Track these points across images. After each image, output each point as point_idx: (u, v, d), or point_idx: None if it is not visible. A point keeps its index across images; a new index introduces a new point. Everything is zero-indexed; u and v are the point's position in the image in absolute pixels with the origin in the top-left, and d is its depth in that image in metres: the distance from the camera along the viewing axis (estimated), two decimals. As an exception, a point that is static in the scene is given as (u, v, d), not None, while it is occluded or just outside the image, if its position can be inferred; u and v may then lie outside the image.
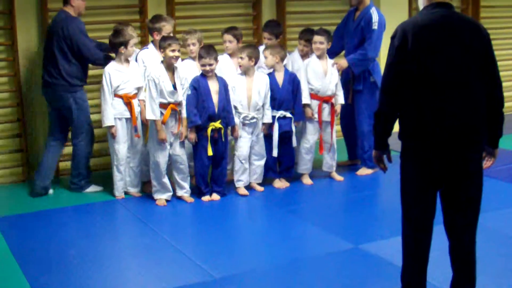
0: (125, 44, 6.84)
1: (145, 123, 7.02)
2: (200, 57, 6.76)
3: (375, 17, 7.41)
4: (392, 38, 3.96)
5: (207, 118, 6.77)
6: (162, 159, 6.76)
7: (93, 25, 7.93)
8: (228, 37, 7.33)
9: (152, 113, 6.64)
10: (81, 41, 7.02)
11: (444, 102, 3.82)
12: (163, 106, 6.68)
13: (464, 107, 3.84)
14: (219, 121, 6.82)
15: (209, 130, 6.78)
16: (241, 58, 7.02)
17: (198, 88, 6.75)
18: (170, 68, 6.73)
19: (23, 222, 6.45)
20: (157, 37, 7.04)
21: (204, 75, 6.81)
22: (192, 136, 6.77)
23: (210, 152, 6.81)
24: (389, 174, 4.32)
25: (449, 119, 3.83)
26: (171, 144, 6.81)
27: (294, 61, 7.66)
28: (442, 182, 3.98)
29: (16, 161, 7.88)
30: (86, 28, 7.24)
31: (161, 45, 6.72)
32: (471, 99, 3.86)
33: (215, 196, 6.97)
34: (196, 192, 7.00)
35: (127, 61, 6.96)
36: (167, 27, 7.07)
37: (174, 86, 6.70)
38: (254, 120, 7.08)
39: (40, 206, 6.98)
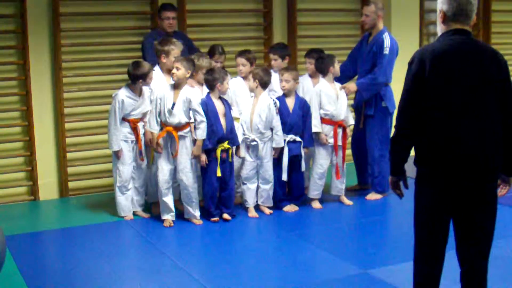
0: (144, 77, 6.83)
1: (148, 145, 7.04)
2: (217, 78, 6.78)
3: (387, 42, 7.41)
4: (410, 64, 3.95)
5: (216, 140, 6.77)
6: (161, 177, 6.79)
7: (107, 45, 8.01)
8: (241, 60, 7.37)
9: (149, 126, 6.80)
10: (144, 51, 7.64)
11: (460, 129, 3.81)
12: (163, 125, 6.76)
13: (480, 135, 3.82)
14: (226, 142, 6.83)
15: (218, 151, 6.78)
16: (248, 79, 7.09)
17: (207, 111, 6.75)
18: (175, 86, 6.75)
19: (32, 241, 6.46)
20: (164, 60, 7.06)
21: (210, 97, 6.82)
22: (203, 158, 6.76)
23: (219, 173, 6.80)
24: (398, 199, 4.29)
25: (465, 146, 3.81)
26: (175, 168, 6.83)
27: (305, 83, 7.66)
28: (456, 209, 3.95)
29: (26, 180, 7.89)
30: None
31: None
32: (488, 126, 3.84)
33: (226, 216, 6.95)
34: (205, 213, 6.97)
35: (140, 89, 6.96)
36: (175, 51, 7.05)
37: (174, 107, 6.70)
38: (255, 143, 7.06)
39: (49, 225, 6.99)
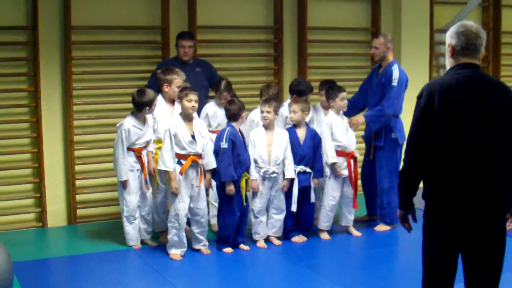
0: (150, 104, 6.85)
1: (152, 174, 7.05)
2: (242, 108, 6.83)
3: (395, 74, 7.43)
4: (418, 98, 3.95)
5: (242, 171, 6.78)
6: (182, 211, 6.65)
7: (118, 74, 8.06)
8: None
9: (163, 164, 6.60)
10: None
11: (469, 163, 3.81)
12: (183, 157, 6.65)
13: (489, 169, 3.81)
14: (246, 171, 6.87)
15: (243, 181, 6.80)
16: (268, 112, 7.01)
17: (235, 141, 6.74)
18: (188, 118, 6.71)
19: (39, 268, 6.45)
20: (167, 89, 7.08)
21: (235, 128, 6.80)
22: (231, 188, 6.72)
23: (245, 202, 6.84)
24: (407, 231, 4.26)
25: (474, 180, 3.80)
26: (191, 197, 6.76)
27: (319, 114, 7.67)
28: (465, 243, 3.93)
29: (34, 206, 7.90)
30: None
31: (179, 96, 6.82)
32: (496, 160, 3.83)
33: (245, 247, 6.97)
34: (212, 243, 6.97)
35: (144, 118, 6.98)
36: (177, 81, 7.07)
37: (193, 137, 6.68)
38: (275, 175, 7.06)
39: (56, 252, 6.98)
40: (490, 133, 3.83)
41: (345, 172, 7.33)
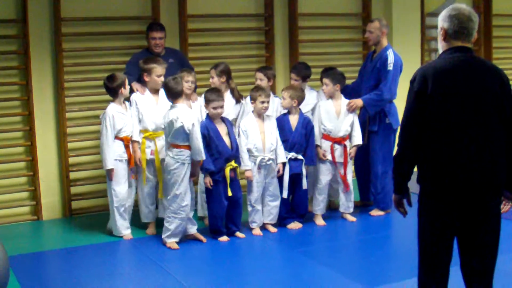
0: (123, 85, 6.85)
1: (138, 164, 7.02)
2: (211, 100, 6.74)
3: (390, 58, 7.42)
4: (412, 82, 3.95)
5: (223, 160, 6.76)
6: (190, 201, 6.70)
7: (109, 65, 8.01)
8: (260, 75, 7.40)
9: (202, 154, 6.56)
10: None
11: (464, 147, 3.81)
12: (188, 147, 6.60)
13: (483, 152, 3.82)
14: (233, 160, 6.82)
15: (227, 170, 6.77)
16: (268, 101, 7.01)
17: (208, 133, 6.72)
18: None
19: (35, 261, 6.45)
20: (147, 79, 7.03)
21: (210, 119, 6.80)
22: (207, 180, 6.73)
23: (230, 192, 6.80)
24: (402, 216, 4.27)
25: (468, 163, 3.81)
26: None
27: (322, 99, 7.66)
28: (460, 226, 3.94)
29: (29, 199, 7.89)
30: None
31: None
32: (491, 143, 3.84)
33: (241, 235, 6.98)
34: (207, 232, 6.97)
35: (124, 102, 6.98)
36: (157, 69, 7.01)
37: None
38: (270, 161, 7.06)
39: (52, 245, 6.98)
40: (484, 116, 3.83)
41: (328, 157, 7.33)
